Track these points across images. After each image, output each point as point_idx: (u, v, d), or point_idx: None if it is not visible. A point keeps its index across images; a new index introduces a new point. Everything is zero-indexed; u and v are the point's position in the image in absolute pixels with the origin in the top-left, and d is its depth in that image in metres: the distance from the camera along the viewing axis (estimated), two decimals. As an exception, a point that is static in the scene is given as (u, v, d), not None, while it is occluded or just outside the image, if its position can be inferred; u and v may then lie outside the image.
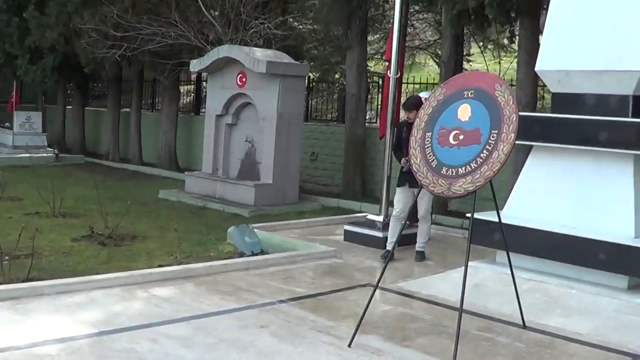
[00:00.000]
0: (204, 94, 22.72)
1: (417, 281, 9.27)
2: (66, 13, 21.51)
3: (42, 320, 7.12)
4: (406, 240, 10.82)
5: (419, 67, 28.82)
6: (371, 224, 11.71)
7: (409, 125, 9.96)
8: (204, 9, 18.26)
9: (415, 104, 10.26)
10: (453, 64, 15.28)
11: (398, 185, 10.79)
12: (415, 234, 11.69)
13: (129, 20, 18.44)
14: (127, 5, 19.02)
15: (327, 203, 16.29)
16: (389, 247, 10.58)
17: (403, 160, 10.41)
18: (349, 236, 11.78)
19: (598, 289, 7.98)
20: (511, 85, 13.94)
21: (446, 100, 6.93)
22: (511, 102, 6.47)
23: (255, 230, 11.12)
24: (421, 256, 10.67)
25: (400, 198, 10.68)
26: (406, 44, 20.46)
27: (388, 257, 9.55)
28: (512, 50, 21.14)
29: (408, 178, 10.24)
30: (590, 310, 7.73)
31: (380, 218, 11.72)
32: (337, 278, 9.42)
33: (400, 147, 10.66)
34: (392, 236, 10.55)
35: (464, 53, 19.55)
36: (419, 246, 10.73)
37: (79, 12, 20.87)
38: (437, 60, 25.17)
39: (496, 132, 6.44)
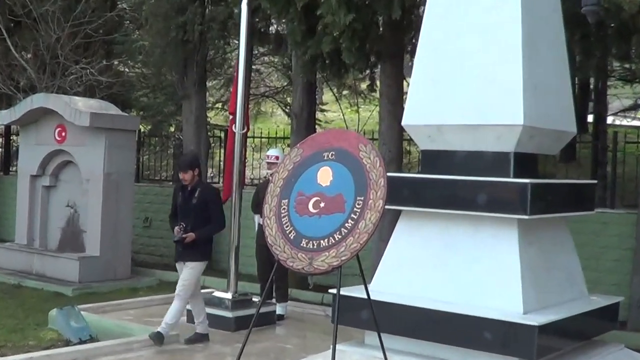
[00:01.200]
0: (14, 149, 22.15)
1: (275, 369, 9.20)
2: None
3: None
4: (262, 320, 10.80)
5: (266, 117, 29.11)
6: (218, 302, 11.57)
7: (185, 188, 10.16)
8: (13, 50, 17.91)
9: (190, 163, 10.18)
10: (306, 115, 15.44)
11: (175, 260, 10.71)
12: (272, 312, 11.71)
13: None
14: None
15: (165, 277, 16.04)
16: (198, 329, 10.52)
17: (176, 229, 10.11)
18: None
19: (484, 373, 8.06)
20: (372, 139, 14.19)
21: (304, 162, 6.97)
22: (378, 164, 6.56)
23: (82, 312, 10.83)
24: (159, 339, 9.93)
25: (180, 274, 10.44)
26: (250, 91, 20.60)
27: (196, 340, 9.92)
28: (371, 97, 21.58)
29: (180, 250, 10.26)
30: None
31: (228, 295, 11.61)
32: (183, 367, 9.27)
33: (176, 215, 10.42)
34: (197, 316, 10.57)
35: (317, 101, 19.84)
36: (161, 327, 10.05)
37: None
38: (286, 109, 25.42)
39: (362, 198, 6.51)
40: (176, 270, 16.18)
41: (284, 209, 6.89)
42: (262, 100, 27.96)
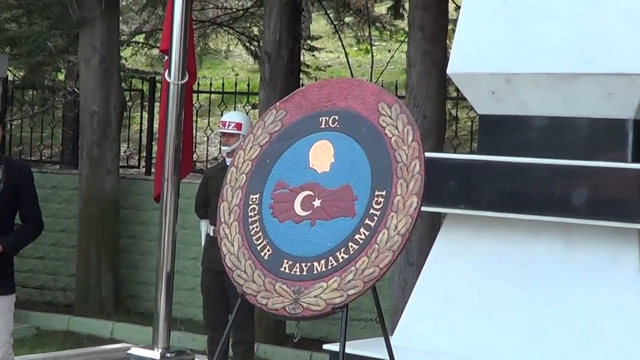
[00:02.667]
0: None
1: None
2: None
3: None
4: None
5: (218, 59, 29.10)
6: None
7: None
8: None
9: None
10: (285, 56, 15.50)
11: None
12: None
13: None
14: None
15: (48, 324, 16.25)
16: None
17: None
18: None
19: None
20: (399, 97, 14.27)
21: (287, 133, 7.00)
22: (411, 139, 6.59)
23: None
24: None
25: None
26: (194, 17, 20.58)
27: None
28: (394, 28, 21.62)
29: None
30: None
31: (155, 354, 11.66)
32: None
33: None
34: None
35: (303, 35, 19.90)
36: None
37: None
38: (252, 47, 25.40)
39: (383, 194, 6.54)
40: (71, 312, 16.66)
41: (254, 209, 6.93)
42: (211, 32, 27.97)
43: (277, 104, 7.28)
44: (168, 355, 11.62)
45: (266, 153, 7.03)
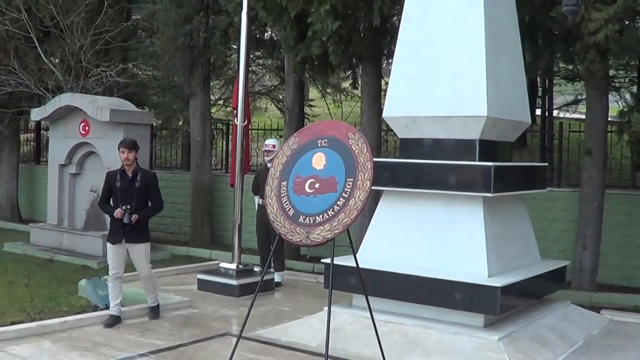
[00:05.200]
0: (45, 142, 22.06)
1: (276, 328, 9.18)
2: None
3: None
4: (262, 286, 10.72)
5: (261, 112, 28.99)
6: (224, 272, 11.55)
7: (124, 173, 9.37)
8: (43, 57, 17.82)
9: (134, 143, 9.37)
10: (297, 109, 15.47)
11: (112, 242, 9.36)
12: (271, 280, 11.68)
13: (-34, 69, 17.78)
14: (-36, 54, 18.34)
15: (176, 252, 16.06)
16: (113, 311, 9.32)
17: (119, 211, 9.14)
18: (203, 285, 11.59)
19: (456, 329, 8.10)
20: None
21: (300, 149, 6.95)
22: (365, 150, 6.55)
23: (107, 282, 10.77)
24: (155, 313, 9.66)
25: (115, 256, 9.38)
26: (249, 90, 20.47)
27: (113, 323, 9.19)
28: (352, 94, 21.54)
29: (125, 232, 9.24)
30: (450, 349, 7.84)
31: (233, 266, 11.57)
32: (195, 328, 9.23)
33: (109, 199, 9.49)
34: (115, 298, 9.35)
35: (305, 98, 19.78)
36: (151, 302, 9.71)
37: None
38: (278, 105, 25.39)
39: (352, 179, 6.50)
40: (188, 245, 16.54)
41: (284, 189, 6.87)
42: (257, 98, 27.83)
43: (295, 134, 7.22)
44: (240, 267, 11.56)
45: (290, 160, 6.97)
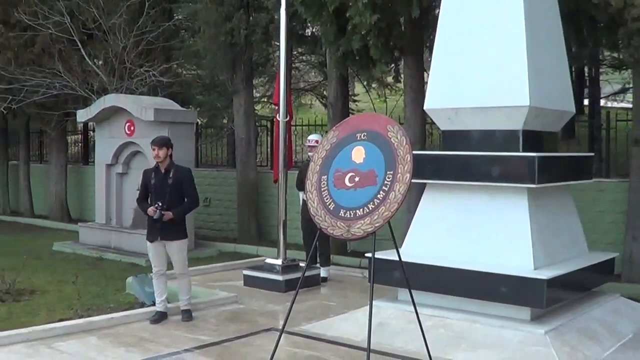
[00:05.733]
0: (92, 143, 22.36)
1: (321, 323, 9.17)
2: None
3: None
4: (308, 282, 10.91)
5: (306, 109, 28.96)
6: (270, 268, 11.58)
7: (158, 170, 9.39)
8: (87, 59, 18.04)
9: (165, 141, 9.38)
10: (340, 105, 15.41)
11: (150, 241, 9.41)
12: (317, 275, 11.68)
13: (12, 72, 18.03)
14: (10, 57, 18.62)
15: (224, 248, 16.17)
16: (159, 307, 9.41)
17: (151, 209, 9.16)
18: (249, 281, 11.63)
19: (502, 322, 8.02)
20: (400, 124, 14.08)
21: (340, 143, 6.93)
22: (404, 143, 6.52)
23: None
24: (188, 315, 9.49)
25: (155, 253, 9.46)
26: (292, 87, 20.45)
27: (160, 319, 9.26)
28: (396, 88, 21.42)
29: (160, 229, 9.25)
30: (496, 343, 7.75)
31: (279, 261, 11.60)
32: (241, 324, 9.27)
33: (146, 197, 9.52)
34: (160, 295, 9.45)
35: (350, 93, 19.73)
36: (183, 305, 9.56)
37: (-40, 65, 20.36)
38: (323, 101, 25.35)
39: (391, 172, 6.47)
40: (235, 242, 16.62)
41: (324, 184, 6.87)
42: (302, 94, 27.87)
43: (334, 127, 7.21)
44: (285, 262, 11.57)
45: (329, 154, 6.97)
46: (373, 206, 6.45)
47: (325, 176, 6.89)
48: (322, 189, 6.86)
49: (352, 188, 6.66)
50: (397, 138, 6.56)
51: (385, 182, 6.47)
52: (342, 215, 6.61)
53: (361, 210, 6.50)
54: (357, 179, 6.67)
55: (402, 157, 6.46)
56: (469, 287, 8.19)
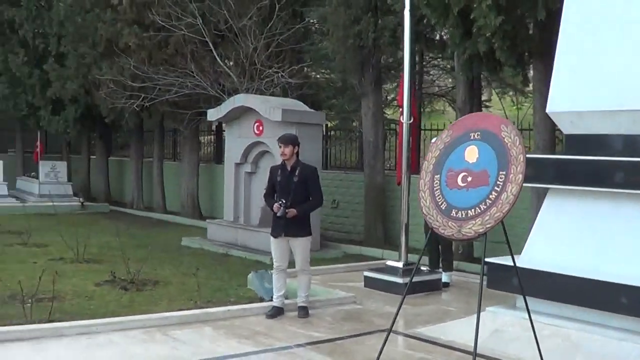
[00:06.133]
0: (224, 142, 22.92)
1: (437, 327, 9.09)
2: (85, 65, 22.23)
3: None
4: (429, 286, 11.06)
5: (439, 114, 28.78)
6: (391, 270, 11.56)
7: (284, 167, 9.50)
8: (219, 60, 18.48)
9: (292, 139, 9.55)
10: (468, 110, 15.15)
11: (274, 236, 9.54)
12: (438, 279, 11.58)
13: (146, 71, 18.71)
14: (144, 57, 19.36)
15: (349, 250, 16.25)
16: (276, 302, 9.56)
17: (276, 205, 9.33)
18: (369, 282, 11.65)
19: (621, 334, 7.66)
20: (529, 130, 13.79)
21: (453, 142, 6.85)
22: (518, 143, 6.38)
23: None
24: (304, 312, 9.58)
25: (277, 249, 9.58)
26: (423, 91, 20.37)
27: (276, 314, 9.34)
28: (531, 95, 21.04)
29: (284, 226, 9.38)
30: (614, 355, 7.43)
31: (400, 264, 11.56)
32: (356, 323, 9.31)
33: (273, 193, 9.67)
34: (278, 290, 9.59)
35: (482, 99, 19.48)
36: (300, 301, 9.67)
37: (97, 64, 21.52)
38: (453, 105, 25.17)
39: (504, 173, 6.35)
40: (361, 244, 16.64)
41: (437, 183, 6.80)
42: (434, 99, 27.72)
43: (448, 127, 7.14)
44: (406, 266, 11.52)
45: (443, 153, 6.91)
46: (485, 207, 6.34)
47: (438, 175, 6.83)
48: (435, 189, 6.80)
49: (465, 188, 6.57)
50: (510, 138, 6.43)
51: (498, 182, 6.35)
52: (454, 215, 6.53)
53: (473, 210, 6.40)
54: (469, 178, 6.58)
55: (515, 157, 6.33)
56: (589, 296, 7.87)
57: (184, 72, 18.50)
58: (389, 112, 24.52)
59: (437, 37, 18.32)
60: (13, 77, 25.65)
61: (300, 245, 9.54)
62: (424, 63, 22.23)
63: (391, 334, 7.74)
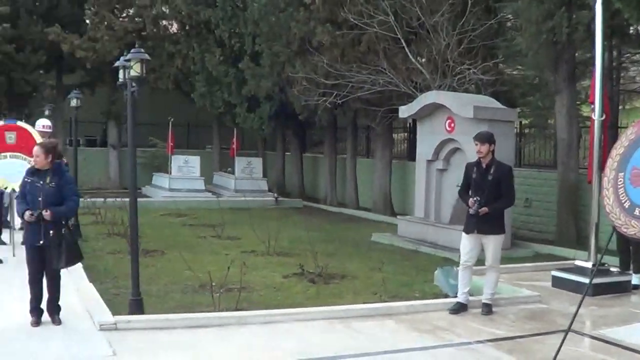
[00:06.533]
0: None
1: (622, 329, 8.87)
2: (279, 63, 22.94)
3: (242, 346, 7.75)
4: (618, 288, 10.84)
5: (638, 111, 27.60)
6: (580, 270, 11.31)
7: (480, 164, 9.50)
8: (411, 57, 18.61)
9: (488, 137, 9.51)
10: None
11: (466, 232, 9.63)
12: (628, 281, 11.23)
13: (339, 69, 19.14)
14: (337, 55, 19.81)
15: (540, 250, 15.97)
16: (460, 298, 9.65)
17: (471, 201, 9.40)
18: (557, 282, 11.47)
19: None
20: None
21: (637, 140, 6.70)
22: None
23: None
24: (488, 309, 9.60)
25: (467, 245, 9.64)
26: (621, 88, 19.63)
27: (459, 310, 9.35)
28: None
29: (476, 223, 9.42)
30: None
31: (589, 264, 11.29)
32: (539, 322, 9.23)
33: (468, 189, 9.71)
34: (463, 286, 9.68)
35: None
36: (485, 298, 9.68)
37: (291, 62, 22.18)
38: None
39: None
40: (552, 244, 16.27)
41: (620, 181, 6.70)
42: (635, 97, 26.61)
43: (633, 124, 6.99)
44: (595, 266, 11.24)
45: (627, 151, 6.77)
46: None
47: (622, 173, 6.71)
48: (619, 186, 6.69)
49: (647, 187, 6.43)
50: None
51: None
52: (637, 214, 6.40)
53: (656, 210, 6.26)
54: (653, 177, 6.43)
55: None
56: None
57: (376, 69, 18.79)
58: (585, 110, 23.75)
59: (633, 32, 17.66)
60: (210, 75, 26.87)
61: (492, 243, 9.58)
62: (622, 59, 21.40)
63: (574, 334, 7.68)
